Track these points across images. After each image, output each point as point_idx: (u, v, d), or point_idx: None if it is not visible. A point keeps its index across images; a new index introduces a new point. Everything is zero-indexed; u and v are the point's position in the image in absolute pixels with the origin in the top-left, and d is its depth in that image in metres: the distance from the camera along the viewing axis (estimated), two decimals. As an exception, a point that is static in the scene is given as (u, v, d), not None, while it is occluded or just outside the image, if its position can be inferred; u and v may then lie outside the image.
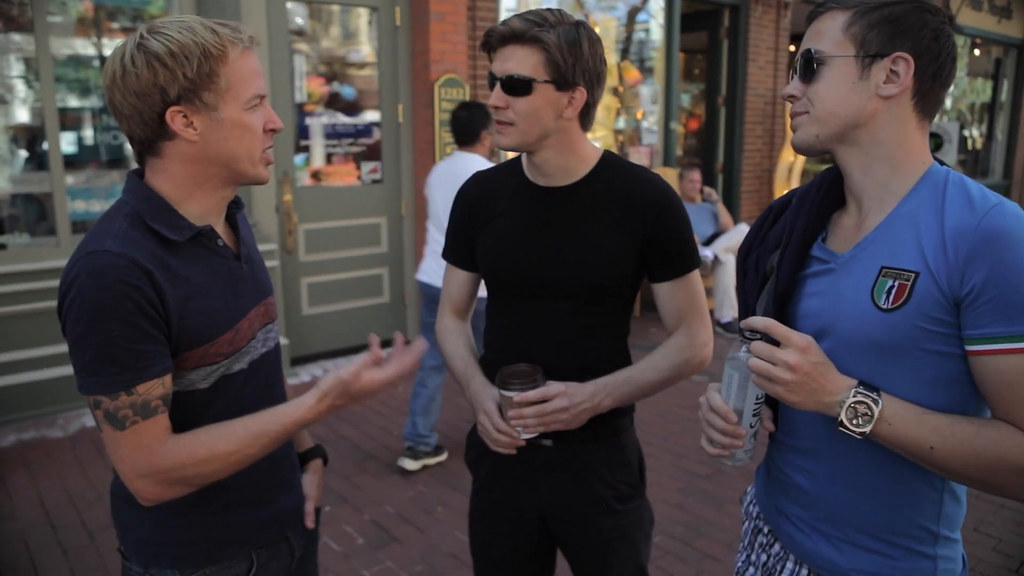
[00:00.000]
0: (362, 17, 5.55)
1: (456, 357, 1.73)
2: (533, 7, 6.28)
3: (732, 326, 5.88)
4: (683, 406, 4.53)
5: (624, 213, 1.55)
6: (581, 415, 1.52)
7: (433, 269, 3.74)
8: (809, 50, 1.15)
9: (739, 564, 1.42)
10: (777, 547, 1.31)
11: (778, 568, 1.29)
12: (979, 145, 11.60)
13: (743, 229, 6.16)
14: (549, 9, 1.51)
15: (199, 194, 1.26)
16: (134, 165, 1.42)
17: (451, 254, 1.77)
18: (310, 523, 1.47)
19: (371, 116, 5.60)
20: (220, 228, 1.33)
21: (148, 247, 1.18)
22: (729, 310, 5.92)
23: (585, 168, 1.59)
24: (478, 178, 1.74)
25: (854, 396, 1.05)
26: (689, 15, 7.50)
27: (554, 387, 1.50)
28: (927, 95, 1.12)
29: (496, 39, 1.50)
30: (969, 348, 1.05)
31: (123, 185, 1.27)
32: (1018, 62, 11.66)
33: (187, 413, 1.24)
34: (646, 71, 7.43)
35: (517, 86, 1.47)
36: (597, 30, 6.98)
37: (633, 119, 7.42)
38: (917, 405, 1.07)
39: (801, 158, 8.10)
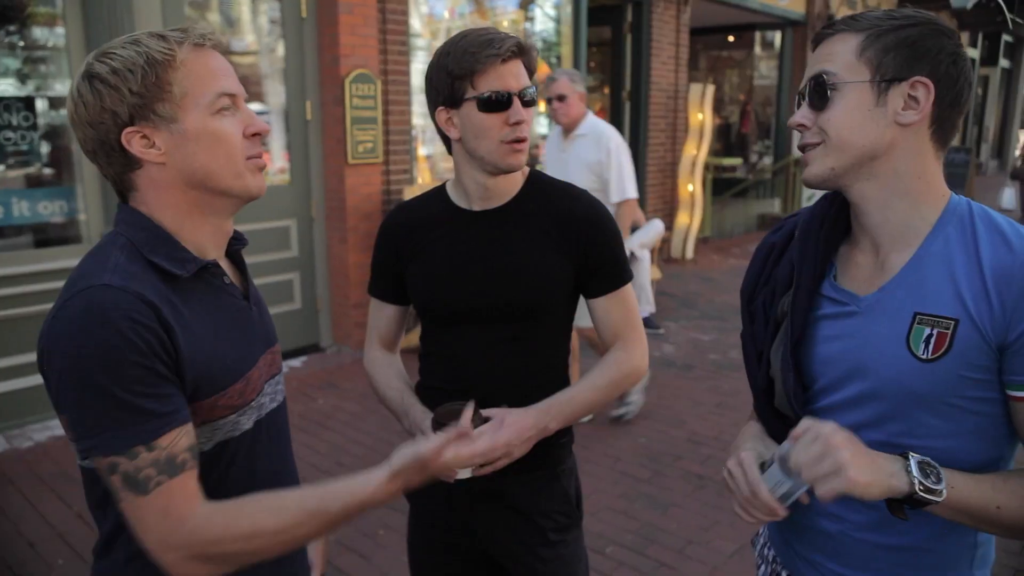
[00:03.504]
0: (245, 5, 5.19)
1: (391, 388, 1.67)
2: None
3: (650, 321, 5.95)
4: (612, 407, 4.52)
5: (559, 230, 1.55)
6: (528, 443, 1.48)
7: None
8: (821, 74, 1.07)
9: None
10: None
11: None
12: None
13: (656, 224, 6.22)
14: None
15: (189, 226, 1.10)
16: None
17: (377, 289, 1.72)
18: None
19: (254, 107, 5.25)
20: (223, 264, 1.17)
21: (151, 282, 1.01)
22: (646, 304, 5.97)
23: (515, 188, 1.57)
24: (401, 208, 1.68)
25: (914, 457, 0.98)
26: (592, 9, 7.50)
27: (502, 436, 1.37)
28: (944, 123, 1.07)
29: (508, 53, 1.44)
30: (1015, 394, 1.02)
31: (115, 216, 1.11)
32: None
33: None
34: (550, 65, 7.39)
35: (531, 100, 1.47)
36: (505, 24, 6.89)
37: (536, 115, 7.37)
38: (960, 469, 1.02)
39: (704, 151, 8.31)
